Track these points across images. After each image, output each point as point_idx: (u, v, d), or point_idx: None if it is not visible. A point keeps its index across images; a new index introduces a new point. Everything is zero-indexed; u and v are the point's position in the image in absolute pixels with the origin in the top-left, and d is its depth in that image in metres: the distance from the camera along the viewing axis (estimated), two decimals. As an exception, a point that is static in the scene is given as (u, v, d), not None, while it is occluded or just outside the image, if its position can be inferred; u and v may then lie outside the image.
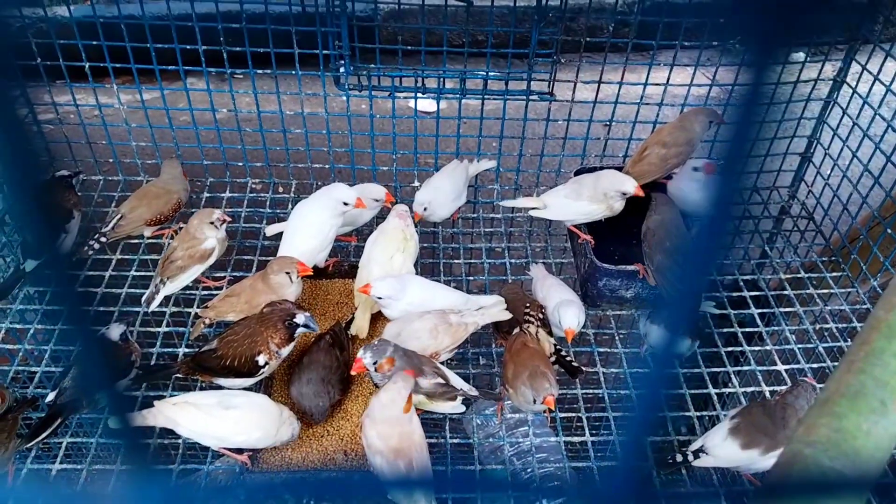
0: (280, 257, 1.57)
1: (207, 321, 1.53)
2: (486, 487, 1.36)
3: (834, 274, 1.77)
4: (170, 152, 1.97)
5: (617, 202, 1.64)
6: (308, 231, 1.62)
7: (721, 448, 1.32)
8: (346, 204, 1.61)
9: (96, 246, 1.69)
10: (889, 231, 1.65)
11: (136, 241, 1.77)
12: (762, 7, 0.29)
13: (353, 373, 1.39)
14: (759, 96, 0.26)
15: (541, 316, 1.52)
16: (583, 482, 1.53)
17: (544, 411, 1.52)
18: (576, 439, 1.49)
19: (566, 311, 1.49)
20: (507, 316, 1.51)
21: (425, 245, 1.83)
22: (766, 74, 0.26)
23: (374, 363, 1.33)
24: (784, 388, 1.41)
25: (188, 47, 1.74)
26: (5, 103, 0.27)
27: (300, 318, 1.38)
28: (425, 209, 1.74)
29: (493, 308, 1.52)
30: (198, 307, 1.62)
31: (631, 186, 1.61)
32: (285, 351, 1.41)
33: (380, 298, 1.49)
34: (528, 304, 1.55)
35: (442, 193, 1.76)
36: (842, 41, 1.86)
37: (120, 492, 1.31)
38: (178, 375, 1.45)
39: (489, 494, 1.43)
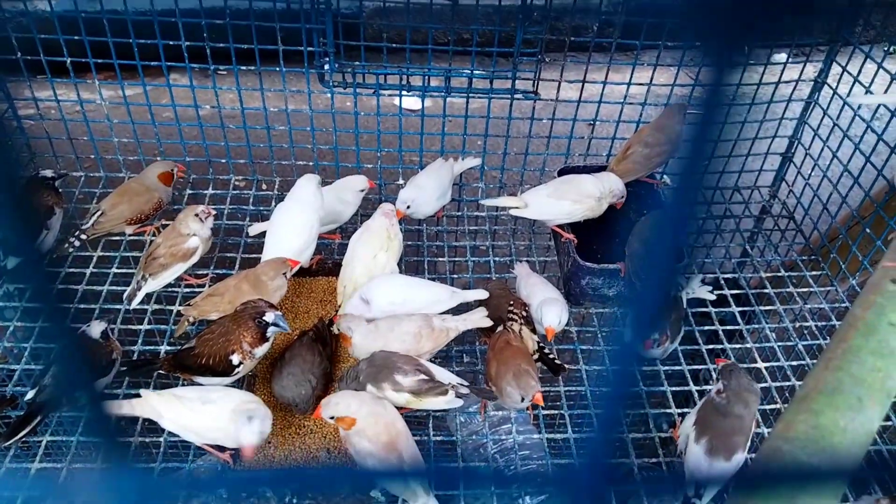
0: (270, 260, 1.55)
1: (191, 319, 1.52)
2: (469, 482, 1.37)
3: (814, 273, 1.80)
4: (152, 149, 1.96)
5: (605, 203, 1.68)
6: (292, 229, 1.61)
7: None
8: (361, 191, 1.78)
9: (76, 243, 1.67)
10: (868, 230, 1.67)
11: (117, 237, 1.75)
12: (720, 9, 0.29)
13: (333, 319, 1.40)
14: (717, 99, 0.27)
15: (524, 314, 1.53)
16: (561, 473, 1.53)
17: (528, 408, 1.53)
18: (559, 436, 1.50)
19: (548, 309, 1.50)
20: (488, 323, 1.50)
21: (410, 243, 1.83)
22: (724, 77, 0.26)
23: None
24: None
25: (171, 43, 1.73)
26: None
27: (269, 315, 1.37)
28: (408, 207, 1.74)
29: (474, 315, 1.52)
30: (180, 305, 1.61)
31: (621, 193, 1.71)
32: (259, 351, 1.40)
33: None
34: (511, 302, 1.55)
35: (426, 192, 1.76)
36: (823, 43, 1.88)
37: (98, 486, 1.30)
38: (161, 372, 1.44)
39: (472, 491, 1.43)
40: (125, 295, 1.57)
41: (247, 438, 1.26)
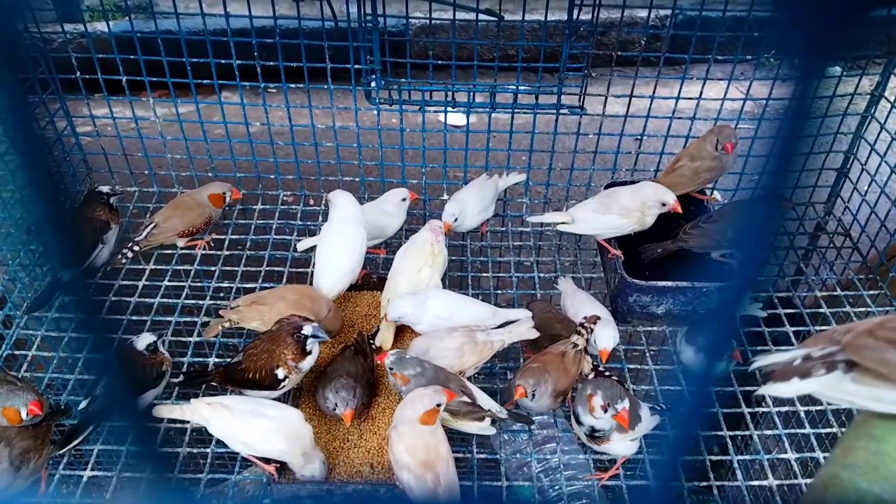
0: (322, 295, 1.59)
1: (227, 323, 1.54)
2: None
3: (871, 292, 1.73)
4: (204, 165, 2.00)
5: (650, 215, 1.62)
6: (343, 251, 1.63)
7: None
8: (404, 200, 1.78)
9: (129, 255, 1.72)
10: (929, 249, 1.61)
11: (169, 251, 1.79)
12: (801, 22, 0.28)
13: (379, 360, 1.40)
14: (803, 112, 0.26)
15: (592, 328, 1.50)
16: (612, 502, 1.51)
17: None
18: (605, 456, 1.47)
19: (602, 331, 1.48)
20: (535, 335, 1.50)
21: (454, 258, 1.83)
22: (809, 89, 0.25)
23: (391, 370, 1.35)
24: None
25: (223, 62, 1.77)
26: (29, 123, 0.27)
27: (307, 329, 1.38)
28: (455, 220, 1.74)
29: (520, 326, 1.52)
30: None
31: (671, 198, 1.60)
32: (305, 364, 1.41)
33: (398, 319, 1.50)
34: (559, 322, 1.55)
35: (468, 205, 1.76)
36: (880, 55, 1.83)
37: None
38: (214, 384, 1.46)
39: (515, 497, 1.41)
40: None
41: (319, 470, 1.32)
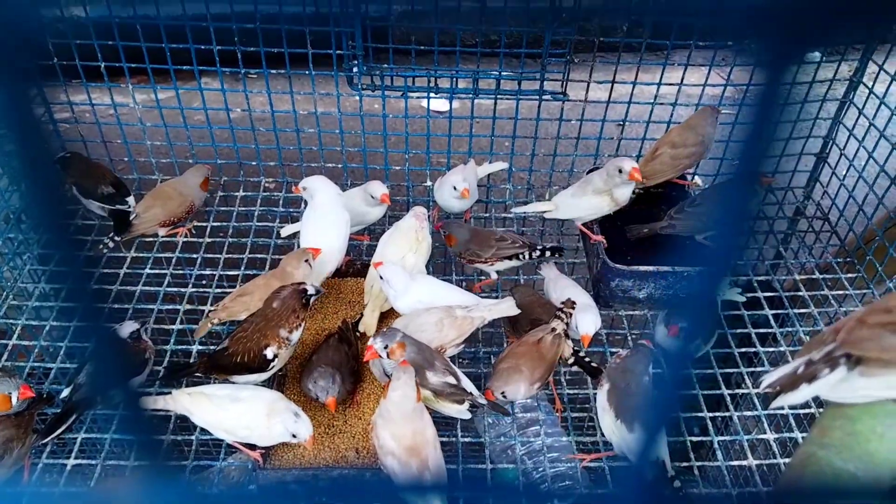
0: (291, 253, 1.58)
1: (216, 321, 1.54)
2: (498, 494, 1.36)
3: (849, 275, 1.76)
4: (184, 152, 1.99)
5: (618, 190, 1.62)
6: (325, 236, 1.62)
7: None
8: (373, 197, 1.73)
9: (111, 244, 1.70)
10: (905, 232, 1.63)
11: (150, 239, 1.78)
12: (777, 10, 0.29)
13: (365, 360, 1.40)
14: (775, 98, 0.26)
15: (571, 312, 1.51)
16: (595, 482, 1.53)
17: (557, 410, 1.52)
18: (587, 439, 1.49)
19: (583, 317, 1.49)
20: (515, 311, 1.50)
21: (438, 244, 1.83)
22: (782, 76, 0.26)
23: (385, 347, 1.34)
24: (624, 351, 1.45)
25: (203, 47, 1.75)
26: (21, 102, 0.27)
27: (310, 288, 1.42)
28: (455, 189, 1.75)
29: (502, 304, 1.52)
30: (212, 305, 1.63)
31: (628, 164, 1.58)
32: (296, 336, 1.41)
33: (381, 278, 1.50)
34: (541, 306, 1.55)
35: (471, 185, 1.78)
36: (859, 41, 1.85)
37: (134, 491, 1.32)
38: (198, 374, 1.46)
39: (499, 480, 1.42)
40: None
41: (304, 432, 1.30)
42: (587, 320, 1.49)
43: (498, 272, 1.71)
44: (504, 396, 1.39)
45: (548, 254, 1.65)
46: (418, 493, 1.24)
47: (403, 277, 1.51)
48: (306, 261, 1.54)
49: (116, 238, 1.71)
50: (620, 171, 1.59)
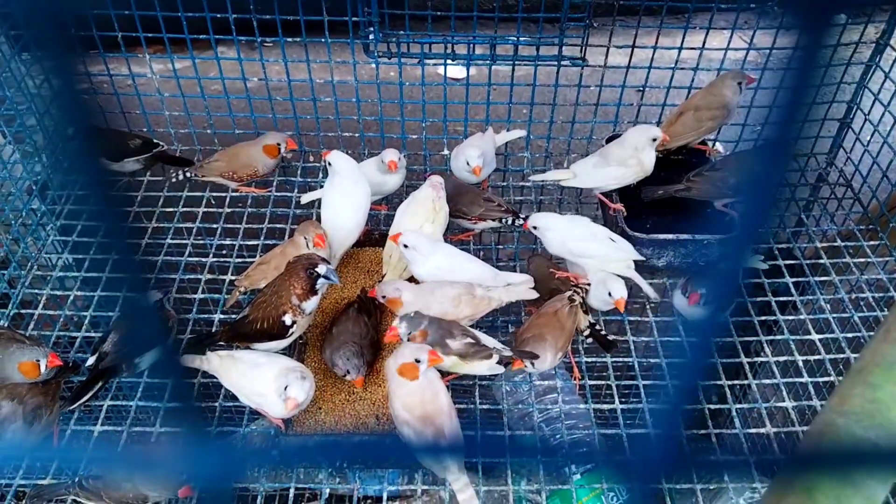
0: (304, 223, 1.58)
1: (242, 289, 1.56)
2: (514, 452, 1.38)
3: (871, 242, 1.74)
4: (202, 122, 1.99)
5: (647, 157, 1.61)
6: (347, 210, 1.63)
7: None
8: (383, 162, 1.72)
9: (180, 177, 1.81)
10: (931, 198, 1.61)
11: (171, 209, 1.80)
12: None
13: (385, 341, 1.41)
14: (813, 61, 0.26)
15: (587, 288, 1.52)
16: (612, 450, 1.54)
17: (574, 378, 1.53)
18: (605, 407, 1.50)
19: (614, 282, 1.49)
20: (534, 295, 1.50)
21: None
22: (818, 38, 0.25)
23: (409, 334, 1.34)
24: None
25: (219, 16, 1.74)
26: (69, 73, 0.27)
27: (321, 268, 1.39)
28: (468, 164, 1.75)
29: (520, 287, 1.52)
30: (232, 274, 1.65)
31: (658, 132, 1.59)
32: (309, 305, 1.41)
33: (405, 247, 1.50)
34: (556, 281, 1.56)
35: (487, 155, 1.78)
36: (886, 1, 1.80)
37: (169, 453, 1.36)
38: (221, 343, 1.47)
39: (518, 459, 1.44)
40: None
41: (294, 392, 1.29)
42: (619, 284, 1.49)
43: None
44: (532, 366, 1.39)
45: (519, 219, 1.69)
46: (434, 457, 1.26)
47: (427, 241, 1.51)
48: (304, 237, 1.55)
49: (189, 174, 1.80)
50: (654, 140, 1.59)
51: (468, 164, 1.73)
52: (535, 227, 1.57)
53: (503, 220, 1.69)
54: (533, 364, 1.39)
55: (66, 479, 1.34)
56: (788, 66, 0.26)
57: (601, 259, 1.54)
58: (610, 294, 1.49)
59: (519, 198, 1.94)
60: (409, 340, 1.34)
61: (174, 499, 1.37)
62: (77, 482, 1.27)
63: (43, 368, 1.33)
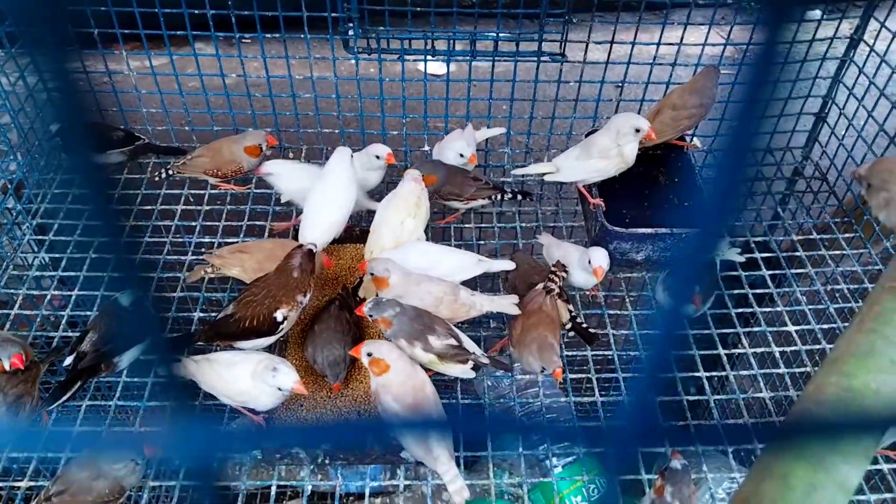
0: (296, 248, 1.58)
1: (210, 269, 1.55)
2: (496, 428, 1.38)
3: (846, 235, 1.77)
4: (180, 118, 1.97)
5: (628, 148, 1.61)
6: (332, 205, 1.61)
7: None
8: (377, 157, 1.72)
9: (164, 175, 1.79)
10: (903, 191, 1.63)
11: (149, 207, 1.78)
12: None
13: (356, 312, 1.42)
14: (773, 56, 0.26)
15: (563, 276, 1.52)
16: (588, 428, 1.55)
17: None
18: (586, 400, 1.51)
19: (595, 252, 1.49)
20: (516, 311, 1.48)
21: (437, 210, 1.83)
22: (780, 34, 0.26)
23: (371, 317, 1.37)
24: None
25: (196, 12, 1.73)
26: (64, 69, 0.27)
27: (310, 246, 1.45)
28: (461, 155, 1.76)
29: (504, 300, 1.51)
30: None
31: (645, 124, 1.58)
32: (307, 298, 1.43)
33: (387, 271, 1.49)
34: (538, 273, 1.56)
35: (469, 147, 1.79)
36: (859, -2, 1.82)
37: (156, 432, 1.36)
38: (200, 343, 1.47)
39: (500, 452, 1.45)
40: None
41: (287, 381, 1.31)
42: (600, 253, 1.49)
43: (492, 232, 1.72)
44: (543, 372, 1.39)
45: (519, 197, 1.74)
46: (420, 435, 1.26)
47: (390, 261, 1.49)
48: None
49: (170, 172, 1.79)
50: (638, 131, 1.58)
51: (462, 155, 1.75)
52: (386, 270, 1.48)
53: (492, 198, 1.72)
54: (543, 371, 1.38)
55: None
56: (744, 61, 0.26)
57: (455, 268, 1.55)
58: (590, 262, 1.49)
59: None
60: (372, 320, 1.37)
61: (144, 484, 1.36)
62: (44, 498, 1.25)
63: (6, 366, 1.31)
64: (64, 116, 0.26)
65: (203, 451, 0.33)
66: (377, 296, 1.43)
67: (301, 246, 1.43)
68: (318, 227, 1.60)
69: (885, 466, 1.37)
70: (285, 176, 1.73)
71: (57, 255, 1.71)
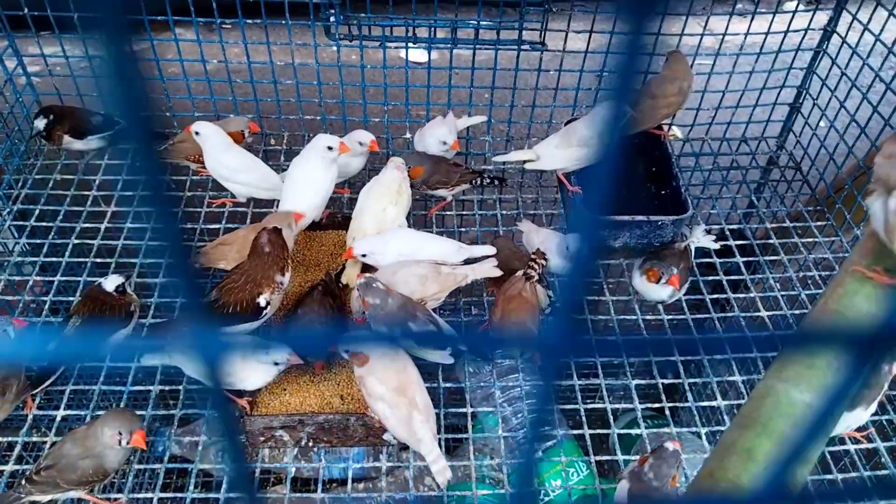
0: (275, 214, 1.58)
1: (197, 265, 1.56)
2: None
3: (819, 223, 1.81)
4: (160, 104, 1.97)
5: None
6: (310, 185, 1.62)
7: None
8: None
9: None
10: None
11: (130, 193, 1.78)
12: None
13: (343, 258, 1.44)
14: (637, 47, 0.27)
15: (543, 263, 1.54)
16: (571, 428, 1.58)
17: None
18: (564, 384, 1.54)
19: (574, 239, 1.52)
20: (498, 273, 1.53)
21: (418, 198, 1.84)
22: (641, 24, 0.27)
23: (358, 293, 1.40)
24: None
25: (177, -3, 1.72)
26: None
27: (286, 231, 1.47)
28: (444, 143, 1.79)
29: (484, 265, 1.55)
30: (193, 259, 1.64)
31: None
32: (287, 278, 1.44)
33: (363, 256, 1.52)
34: (520, 258, 1.58)
35: (450, 136, 1.82)
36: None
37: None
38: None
39: (481, 435, 1.48)
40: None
41: (282, 356, 1.34)
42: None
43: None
44: (523, 357, 1.43)
45: (496, 182, 1.81)
46: (404, 417, 1.29)
47: (377, 240, 1.52)
48: (289, 225, 1.54)
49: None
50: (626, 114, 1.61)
51: (444, 142, 1.78)
52: (363, 256, 1.54)
53: (473, 182, 1.77)
54: (522, 355, 1.42)
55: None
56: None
57: (437, 255, 1.57)
58: (567, 248, 1.53)
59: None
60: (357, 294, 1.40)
61: (128, 468, 1.37)
62: (27, 477, 1.25)
63: None
64: (123, 110, 0.27)
65: (214, 351, 0.34)
66: (370, 277, 1.44)
67: (272, 229, 1.43)
68: (301, 194, 1.61)
69: (852, 447, 1.42)
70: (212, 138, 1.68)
71: (38, 241, 1.70)
